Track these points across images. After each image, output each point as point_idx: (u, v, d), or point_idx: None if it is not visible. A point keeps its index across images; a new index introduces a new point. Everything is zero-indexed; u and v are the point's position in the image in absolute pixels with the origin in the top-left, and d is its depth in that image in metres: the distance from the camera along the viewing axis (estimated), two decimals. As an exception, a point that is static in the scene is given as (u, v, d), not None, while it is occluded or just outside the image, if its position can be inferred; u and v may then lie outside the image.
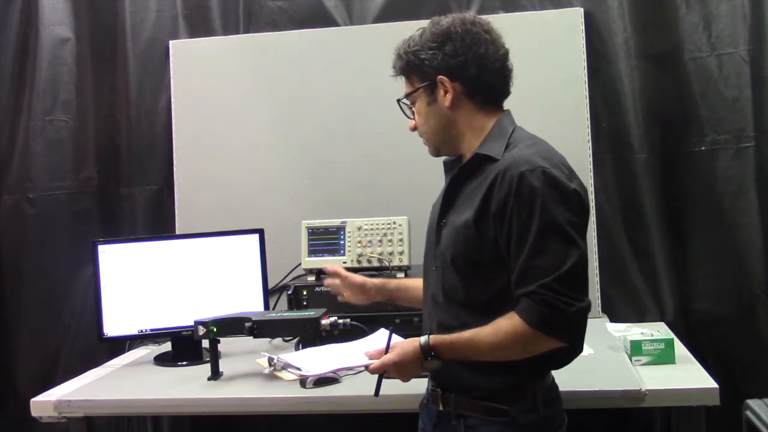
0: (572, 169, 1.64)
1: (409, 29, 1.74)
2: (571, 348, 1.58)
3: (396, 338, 1.71)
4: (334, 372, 2.02)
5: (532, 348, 1.56)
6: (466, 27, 1.67)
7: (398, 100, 1.77)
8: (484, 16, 2.90)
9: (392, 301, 2.04)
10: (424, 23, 1.73)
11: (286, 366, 2.15)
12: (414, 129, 1.77)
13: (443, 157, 1.80)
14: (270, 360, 2.21)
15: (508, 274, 1.57)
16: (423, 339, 1.61)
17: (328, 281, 2.08)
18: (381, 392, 1.68)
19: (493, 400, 1.63)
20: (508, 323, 1.54)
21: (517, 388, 1.63)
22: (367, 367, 1.67)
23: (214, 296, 2.59)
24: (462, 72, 1.66)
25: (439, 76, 1.66)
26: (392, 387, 1.88)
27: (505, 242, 1.56)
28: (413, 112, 1.75)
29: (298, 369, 2.01)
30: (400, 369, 1.64)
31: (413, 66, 1.69)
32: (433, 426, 1.75)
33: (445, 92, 1.67)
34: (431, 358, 1.60)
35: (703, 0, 2.78)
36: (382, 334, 1.94)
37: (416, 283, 1.93)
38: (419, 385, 1.78)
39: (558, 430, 1.69)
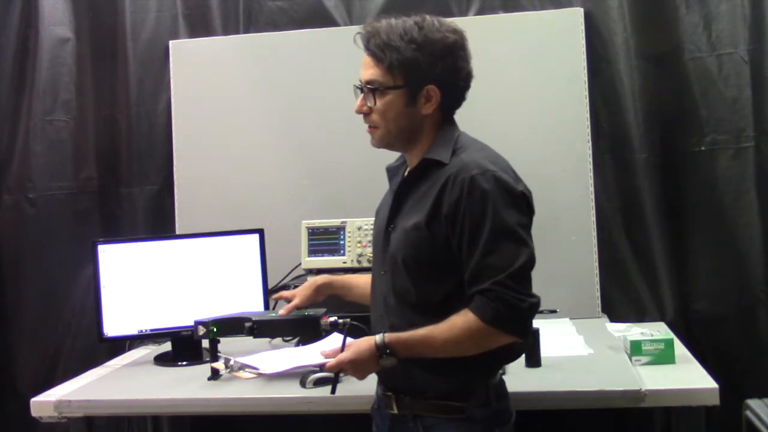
0: (516, 173, 1.68)
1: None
2: (524, 342, 1.64)
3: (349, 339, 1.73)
4: (290, 370, 2.03)
5: (486, 343, 1.59)
6: (464, 44, 1.68)
7: (369, 88, 1.66)
8: (484, 17, 2.96)
9: (338, 297, 2.08)
10: None
11: (242, 367, 2.16)
12: (363, 113, 1.71)
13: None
14: (226, 362, 2.21)
15: (459, 275, 1.61)
16: (378, 337, 1.63)
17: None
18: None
19: (448, 398, 1.66)
20: (462, 320, 1.57)
21: (471, 385, 1.66)
22: (323, 366, 1.69)
23: (214, 296, 2.59)
24: (451, 87, 1.68)
25: (430, 86, 1.65)
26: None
27: (458, 243, 1.60)
28: (370, 98, 1.67)
29: (256, 368, 2.02)
30: (356, 367, 1.66)
31: (408, 64, 1.63)
32: (388, 429, 1.76)
33: (427, 100, 1.67)
34: (386, 355, 1.62)
35: (703, 0, 2.78)
36: (336, 337, 1.96)
37: (360, 281, 1.99)
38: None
39: (508, 423, 1.72)
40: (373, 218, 2.68)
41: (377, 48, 1.65)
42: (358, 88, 1.71)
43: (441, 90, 1.66)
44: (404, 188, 1.73)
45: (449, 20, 1.70)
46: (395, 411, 1.72)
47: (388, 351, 1.62)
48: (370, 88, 1.68)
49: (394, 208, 1.73)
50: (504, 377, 1.77)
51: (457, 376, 1.64)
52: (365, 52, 1.69)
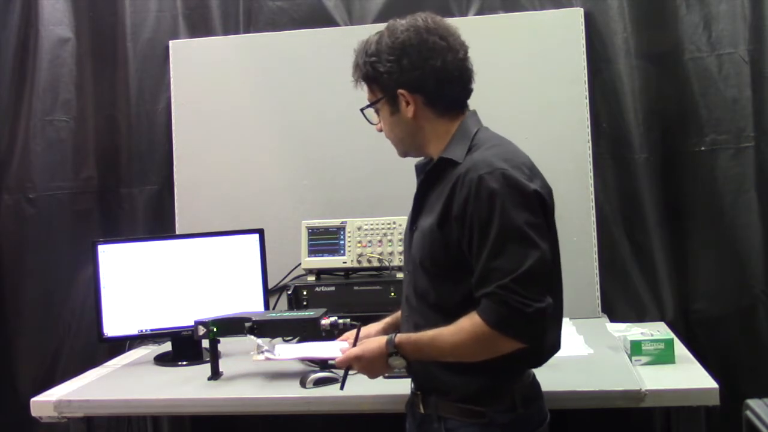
0: (535, 168, 1.65)
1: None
2: (535, 348, 1.57)
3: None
4: (300, 359, 2.00)
5: (493, 348, 1.55)
6: (422, 37, 1.65)
7: (361, 110, 1.77)
8: (484, 17, 2.96)
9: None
10: None
11: (266, 351, 2.15)
12: (380, 131, 1.78)
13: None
14: (259, 347, 2.20)
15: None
16: (389, 336, 1.63)
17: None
18: (381, 392, 1.67)
19: (470, 401, 1.63)
20: (469, 323, 1.55)
21: (495, 388, 1.63)
22: (328, 361, 1.69)
23: (214, 296, 2.59)
24: (421, 84, 1.66)
25: (399, 90, 1.66)
26: (393, 387, 1.88)
27: (467, 245, 1.58)
28: (378, 116, 1.77)
29: (270, 351, 2.03)
30: (364, 364, 1.65)
31: (372, 77, 1.69)
32: (417, 427, 1.75)
33: (407, 104, 1.67)
34: (395, 355, 1.61)
35: (703, 0, 2.78)
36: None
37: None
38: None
39: (538, 427, 1.69)
40: (373, 218, 2.72)
41: (353, 71, 1.73)
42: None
43: (411, 90, 1.66)
44: (423, 188, 1.72)
45: (417, 17, 1.68)
46: (422, 411, 1.71)
47: (396, 351, 1.61)
48: (374, 108, 1.75)
49: (416, 209, 1.72)
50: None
51: (480, 378, 1.62)
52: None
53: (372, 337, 1.81)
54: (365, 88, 1.74)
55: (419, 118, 1.68)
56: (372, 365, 1.66)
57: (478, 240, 1.55)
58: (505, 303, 1.51)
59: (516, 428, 1.64)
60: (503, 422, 1.63)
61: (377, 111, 1.75)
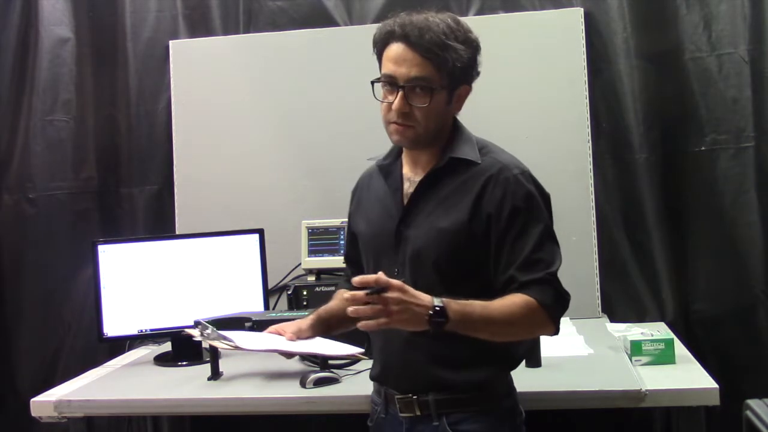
0: None
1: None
2: (552, 336, 1.66)
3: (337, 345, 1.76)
4: (267, 351, 1.96)
5: (537, 328, 1.63)
6: (479, 43, 1.68)
7: (422, 85, 1.59)
8: (484, 17, 2.96)
9: (329, 333, 1.89)
10: None
11: (219, 337, 2.11)
12: (405, 112, 1.61)
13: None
14: (202, 329, 2.09)
15: (486, 276, 1.63)
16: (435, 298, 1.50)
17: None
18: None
19: (475, 391, 1.66)
20: (521, 299, 1.57)
21: (495, 379, 1.69)
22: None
23: (214, 296, 2.59)
24: (470, 85, 1.69)
25: (466, 85, 1.67)
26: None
27: (498, 241, 1.61)
28: (419, 96, 1.60)
29: (231, 341, 2.00)
30: (408, 301, 1.46)
31: (460, 64, 1.60)
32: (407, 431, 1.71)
33: (458, 100, 1.67)
34: (439, 312, 1.47)
35: (703, 0, 2.78)
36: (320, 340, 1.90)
37: (338, 304, 1.81)
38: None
39: (521, 415, 1.74)
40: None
41: (435, 46, 1.57)
42: (399, 86, 1.60)
43: (469, 89, 1.68)
44: (424, 187, 1.69)
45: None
46: (417, 413, 1.68)
47: (440, 306, 1.47)
48: (423, 86, 1.59)
49: (411, 206, 1.69)
50: None
51: (480, 371, 1.65)
52: (412, 49, 1.58)
53: (304, 332, 1.84)
54: (418, 62, 1.58)
55: (453, 115, 1.71)
56: (412, 307, 1.46)
57: (519, 234, 1.60)
58: (556, 289, 1.59)
59: (511, 416, 1.70)
60: (502, 411, 1.68)
61: (429, 92, 1.59)
